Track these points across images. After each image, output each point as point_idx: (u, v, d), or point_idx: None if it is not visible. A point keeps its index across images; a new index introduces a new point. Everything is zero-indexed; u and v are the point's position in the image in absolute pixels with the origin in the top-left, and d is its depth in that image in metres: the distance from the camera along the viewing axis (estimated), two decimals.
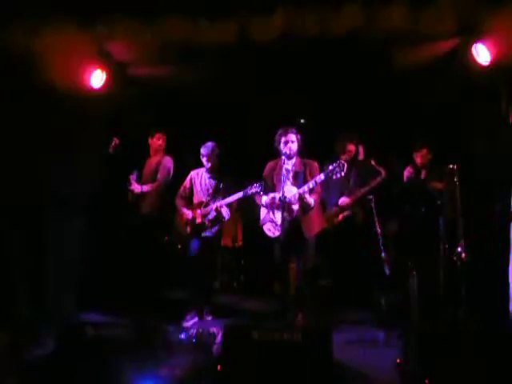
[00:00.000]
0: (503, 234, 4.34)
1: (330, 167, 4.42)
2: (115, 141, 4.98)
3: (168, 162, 5.50)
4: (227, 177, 5.06)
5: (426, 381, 3.19)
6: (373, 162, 5.14)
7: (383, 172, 5.12)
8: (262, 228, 4.76)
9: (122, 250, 5.26)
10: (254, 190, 4.66)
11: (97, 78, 5.06)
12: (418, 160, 5.23)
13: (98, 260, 5.24)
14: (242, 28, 4.39)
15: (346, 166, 4.40)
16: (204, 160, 5.03)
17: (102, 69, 5.03)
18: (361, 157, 5.49)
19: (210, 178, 5.10)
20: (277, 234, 4.60)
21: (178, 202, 5.17)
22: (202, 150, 5.03)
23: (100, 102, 5.06)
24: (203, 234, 4.97)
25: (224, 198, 4.92)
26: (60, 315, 4.58)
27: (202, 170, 5.16)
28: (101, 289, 5.10)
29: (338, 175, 4.37)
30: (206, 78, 5.33)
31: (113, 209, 5.41)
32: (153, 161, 5.52)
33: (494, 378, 3.18)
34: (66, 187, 4.86)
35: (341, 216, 5.27)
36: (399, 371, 3.48)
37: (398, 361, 3.51)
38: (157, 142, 5.55)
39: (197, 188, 5.13)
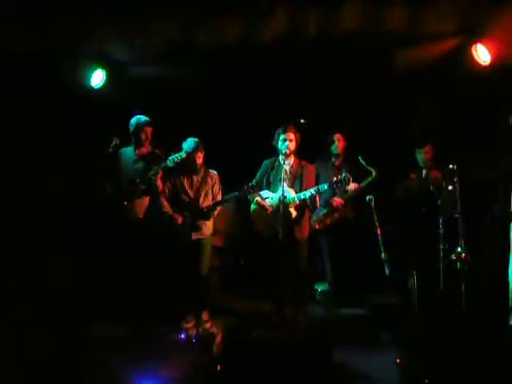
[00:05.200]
0: (503, 234, 4.34)
1: (335, 179, 4.45)
2: (115, 141, 4.95)
3: None
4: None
5: (426, 381, 3.20)
6: (363, 162, 5.09)
7: (374, 172, 5.09)
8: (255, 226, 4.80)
9: (121, 251, 5.23)
10: (242, 192, 4.59)
11: (97, 78, 5.06)
12: (422, 157, 5.18)
13: (97, 260, 5.23)
14: (241, 28, 4.39)
15: (351, 179, 4.45)
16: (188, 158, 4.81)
17: (102, 69, 5.03)
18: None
19: (196, 177, 4.84)
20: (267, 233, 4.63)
21: (164, 203, 4.82)
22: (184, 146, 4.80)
23: (100, 101, 5.07)
24: (195, 237, 4.84)
25: (214, 197, 4.83)
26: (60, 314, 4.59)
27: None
28: (100, 289, 5.09)
29: (342, 188, 4.43)
30: (206, 78, 5.33)
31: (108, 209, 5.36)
32: None
33: (493, 377, 3.19)
34: (68, 186, 4.88)
35: (337, 215, 5.26)
36: (399, 371, 3.48)
37: (398, 361, 3.51)
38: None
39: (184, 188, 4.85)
